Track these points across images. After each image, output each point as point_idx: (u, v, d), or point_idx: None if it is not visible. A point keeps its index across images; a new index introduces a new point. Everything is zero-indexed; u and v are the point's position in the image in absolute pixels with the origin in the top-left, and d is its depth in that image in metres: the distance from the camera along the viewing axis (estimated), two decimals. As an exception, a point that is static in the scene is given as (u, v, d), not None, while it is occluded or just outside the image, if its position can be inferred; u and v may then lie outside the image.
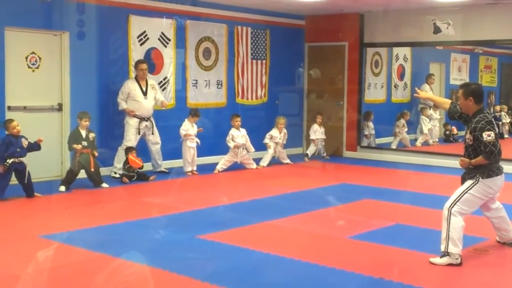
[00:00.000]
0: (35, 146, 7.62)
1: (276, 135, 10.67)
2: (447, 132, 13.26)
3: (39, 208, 7.29)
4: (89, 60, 9.06)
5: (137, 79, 9.25)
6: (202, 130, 9.74)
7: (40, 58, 8.63)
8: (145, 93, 9.23)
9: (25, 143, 7.51)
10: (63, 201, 7.66)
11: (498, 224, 5.65)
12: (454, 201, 5.24)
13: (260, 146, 10.79)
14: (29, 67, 8.53)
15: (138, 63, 9.28)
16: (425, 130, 12.65)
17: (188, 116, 9.70)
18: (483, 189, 5.25)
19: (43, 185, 8.21)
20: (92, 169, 8.17)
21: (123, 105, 9.14)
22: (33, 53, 8.55)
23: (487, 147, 5.13)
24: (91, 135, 8.25)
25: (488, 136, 5.13)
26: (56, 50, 8.78)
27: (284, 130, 10.81)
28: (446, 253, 5.13)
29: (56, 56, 8.79)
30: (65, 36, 8.79)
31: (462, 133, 13.10)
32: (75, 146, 8.07)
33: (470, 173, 5.29)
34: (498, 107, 12.91)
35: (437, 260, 5.16)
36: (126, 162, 8.86)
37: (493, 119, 5.31)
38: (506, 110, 12.66)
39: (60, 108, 8.89)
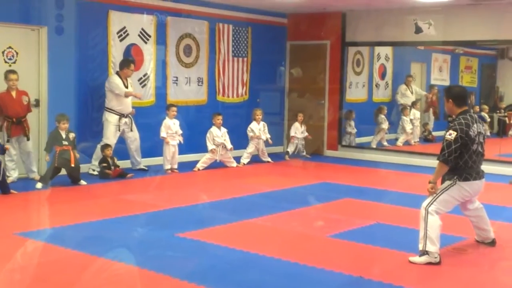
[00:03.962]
0: None
1: (255, 127, 10.66)
2: (425, 133, 13.35)
3: (15, 205, 7.15)
4: (67, 56, 8.94)
5: (119, 75, 9.15)
6: (181, 140, 9.69)
7: (17, 53, 8.48)
8: (126, 89, 9.15)
9: None
10: (40, 198, 7.55)
11: (477, 223, 5.69)
12: (432, 200, 5.27)
13: (240, 144, 10.75)
14: (5, 62, 8.38)
15: (130, 62, 9.18)
16: (408, 130, 12.69)
17: (166, 112, 9.63)
18: (459, 191, 5.28)
19: (19, 182, 8.10)
20: (73, 165, 8.06)
21: (123, 89, 8.95)
22: (9, 47, 8.41)
23: (443, 144, 5.20)
24: (71, 135, 8.20)
25: (449, 135, 5.19)
26: (34, 45, 8.65)
27: (263, 122, 10.80)
28: (424, 252, 5.15)
29: (34, 51, 8.66)
30: (43, 31, 8.65)
31: (439, 133, 13.29)
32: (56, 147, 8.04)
33: (449, 174, 5.31)
34: (477, 108, 13.01)
35: (416, 259, 5.18)
36: (106, 162, 8.79)
37: (472, 123, 5.23)
38: (487, 110, 12.76)
39: (37, 104, 8.75)
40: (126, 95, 9.04)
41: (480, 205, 5.62)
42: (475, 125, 5.26)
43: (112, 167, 8.84)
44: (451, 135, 5.16)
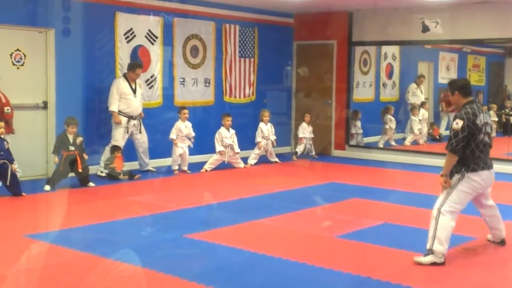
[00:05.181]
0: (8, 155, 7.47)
1: (264, 128, 10.67)
2: (430, 131, 13.31)
3: (24, 207, 7.19)
4: (75, 58, 8.96)
5: (126, 77, 9.17)
6: (192, 141, 9.71)
7: (25, 55, 8.52)
8: (134, 91, 9.18)
9: (6, 146, 7.44)
10: (48, 200, 7.58)
11: (491, 223, 5.67)
12: (443, 200, 5.22)
13: (248, 144, 10.75)
14: (13, 64, 8.42)
15: (136, 67, 9.18)
16: (416, 130, 12.67)
17: (178, 115, 9.65)
18: (469, 183, 5.22)
19: (28, 184, 8.11)
20: (80, 170, 8.10)
21: (114, 107, 9.01)
22: (17, 50, 8.45)
23: (450, 134, 5.18)
24: (79, 139, 8.19)
25: (456, 124, 5.16)
26: (41, 47, 8.68)
27: (270, 123, 10.82)
28: (430, 251, 5.13)
29: (41, 53, 8.69)
30: (51, 33, 8.68)
31: (446, 132, 13.26)
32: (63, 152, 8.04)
33: (457, 166, 5.26)
34: (485, 108, 12.95)
35: (421, 258, 5.15)
36: (111, 160, 8.81)
37: (479, 112, 5.21)
38: (495, 109, 12.70)
39: (45, 106, 8.79)
40: (113, 115, 9.04)
41: (494, 204, 5.60)
42: (481, 115, 5.23)
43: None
44: (458, 124, 5.14)
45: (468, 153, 5.18)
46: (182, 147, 9.55)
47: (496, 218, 5.63)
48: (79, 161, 8.07)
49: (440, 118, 13.89)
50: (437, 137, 13.26)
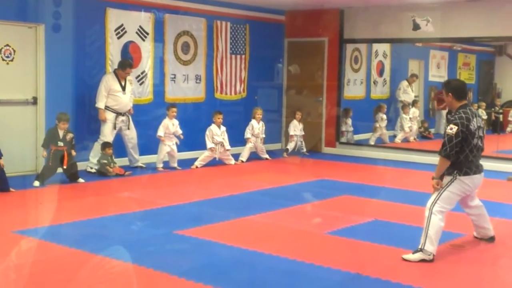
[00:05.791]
0: None
1: (256, 126, 10.68)
2: (421, 129, 13.36)
3: (12, 203, 7.15)
4: (65, 53, 8.92)
5: (116, 74, 9.13)
6: (182, 138, 9.69)
7: (14, 51, 8.46)
8: (123, 88, 9.14)
9: None
10: (38, 196, 7.54)
11: (477, 222, 5.70)
12: (435, 200, 5.25)
13: (238, 141, 10.74)
14: (3, 59, 8.37)
15: (126, 66, 9.12)
16: (406, 128, 12.71)
17: (166, 112, 9.62)
18: (460, 185, 5.26)
19: (17, 179, 8.07)
20: (65, 167, 8.05)
21: (101, 104, 8.98)
22: (7, 45, 8.39)
23: (444, 139, 5.17)
24: (69, 135, 8.14)
25: (450, 129, 5.15)
26: (31, 43, 8.63)
27: (262, 122, 10.82)
28: (419, 250, 5.15)
29: (31, 48, 8.63)
30: (40, 29, 8.63)
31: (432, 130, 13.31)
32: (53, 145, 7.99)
33: (449, 169, 5.29)
34: (475, 106, 13.03)
35: (409, 256, 5.17)
36: (106, 158, 8.78)
37: (472, 117, 5.22)
38: (484, 107, 12.78)
39: (35, 101, 8.74)
40: (99, 111, 9.01)
41: (480, 203, 5.62)
42: (474, 119, 5.24)
43: (112, 164, 8.84)
44: (452, 129, 5.14)
45: (462, 158, 5.20)
46: (169, 145, 9.54)
47: (483, 218, 5.66)
48: (65, 157, 8.02)
49: (430, 116, 13.95)
50: (428, 136, 13.32)
